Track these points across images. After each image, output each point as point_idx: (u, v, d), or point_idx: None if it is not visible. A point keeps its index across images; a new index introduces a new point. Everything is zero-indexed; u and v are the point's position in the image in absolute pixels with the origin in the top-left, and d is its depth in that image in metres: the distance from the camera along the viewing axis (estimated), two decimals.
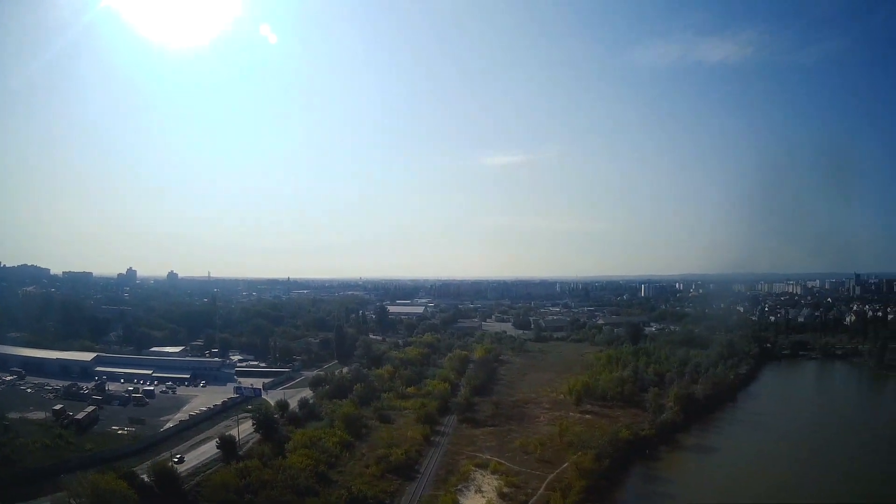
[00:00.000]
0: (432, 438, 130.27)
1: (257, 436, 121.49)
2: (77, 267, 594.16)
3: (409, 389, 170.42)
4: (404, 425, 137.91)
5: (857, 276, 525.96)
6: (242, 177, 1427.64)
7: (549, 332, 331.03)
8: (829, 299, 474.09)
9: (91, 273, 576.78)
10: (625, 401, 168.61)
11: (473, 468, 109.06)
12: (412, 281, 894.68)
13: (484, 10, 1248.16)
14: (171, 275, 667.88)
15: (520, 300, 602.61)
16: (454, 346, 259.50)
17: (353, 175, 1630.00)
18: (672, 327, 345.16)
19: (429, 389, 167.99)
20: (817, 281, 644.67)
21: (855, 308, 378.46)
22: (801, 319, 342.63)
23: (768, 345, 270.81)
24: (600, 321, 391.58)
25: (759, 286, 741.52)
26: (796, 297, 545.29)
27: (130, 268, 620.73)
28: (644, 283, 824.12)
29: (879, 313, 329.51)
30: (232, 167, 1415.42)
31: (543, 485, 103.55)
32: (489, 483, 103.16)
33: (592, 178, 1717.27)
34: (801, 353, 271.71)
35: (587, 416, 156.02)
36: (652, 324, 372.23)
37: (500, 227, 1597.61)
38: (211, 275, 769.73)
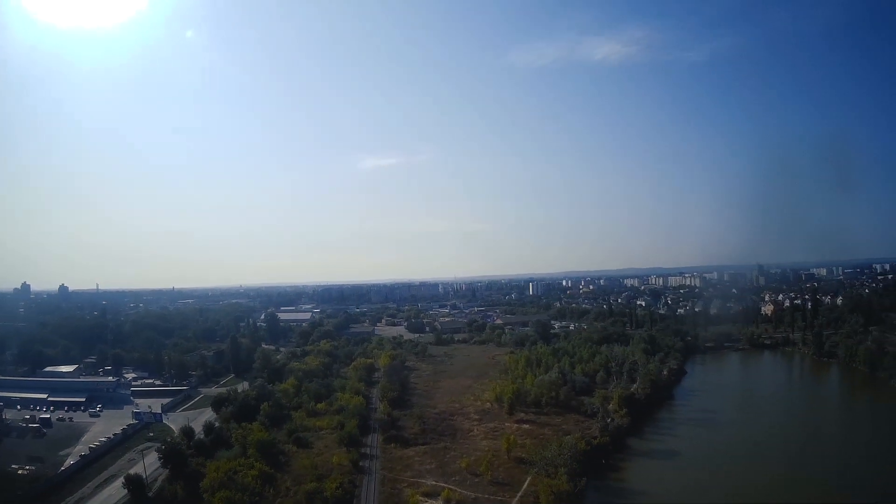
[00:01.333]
0: (361, 463, 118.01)
1: (165, 471, 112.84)
2: None
3: (318, 406, 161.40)
4: (325, 449, 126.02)
5: (760, 266, 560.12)
6: (122, 186, 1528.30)
7: (448, 335, 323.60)
8: (734, 290, 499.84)
9: None
10: (560, 406, 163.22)
11: (422, 498, 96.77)
12: (293, 287, 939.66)
13: (361, 13, 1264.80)
14: (63, 288, 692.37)
15: (405, 302, 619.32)
16: (354, 353, 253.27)
17: (231, 180, 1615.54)
18: (577, 324, 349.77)
19: (341, 404, 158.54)
20: (715, 273, 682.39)
21: (767, 298, 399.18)
22: (713, 311, 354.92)
23: (689, 338, 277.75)
24: (498, 321, 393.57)
25: (652, 279, 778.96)
26: (696, 290, 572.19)
27: (25, 282, 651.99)
28: (527, 281, 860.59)
29: (797, 301, 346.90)
30: (110, 176, 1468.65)
31: None
32: None
33: (469, 180, 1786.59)
34: (726, 344, 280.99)
35: (525, 425, 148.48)
36: (553, 322, 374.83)
37: (378, 230, 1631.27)
38: (99, 287, 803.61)
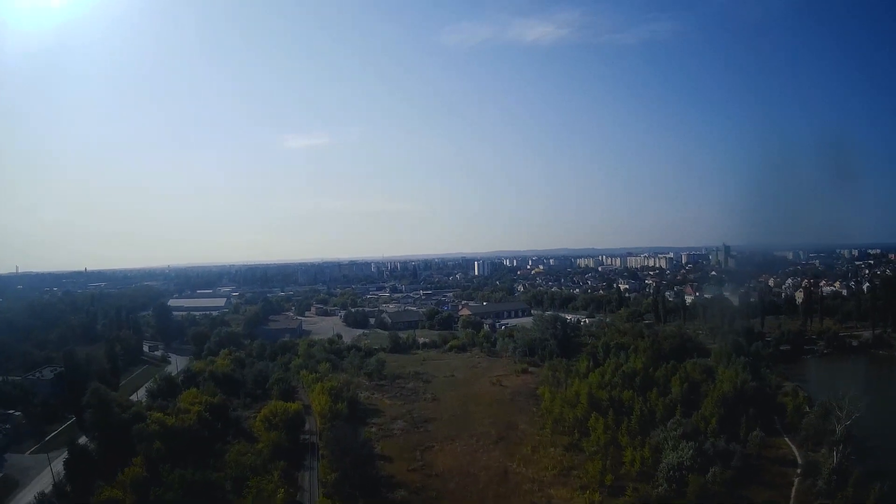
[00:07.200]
0: None
1: None
2: None
3: None
4: None
5: (727, 247, 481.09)
6: (49, 165, 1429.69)
7: (406, 334, 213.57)
8: (713, 273, 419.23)
9: None
10: None
11: None
12: (218, 267, 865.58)
13: None
14: None
15: (336, 284, 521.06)
16: (270, 375, 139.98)
17: (155, 160, 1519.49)
18: (575, 316, 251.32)
19: None
20: (671, 253, 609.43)
21: (771, 283, 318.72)
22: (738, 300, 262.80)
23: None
24: (464, 311, 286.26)
25: (605, 259, 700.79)
26: (667, 272, 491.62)
27: None
28: (459, 260, 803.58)
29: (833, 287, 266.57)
30: (37, 155, 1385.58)
31: None
32: None
33: (397, 160, 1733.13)
34: (805, 347, 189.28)
35: None
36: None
37: (305, 209, 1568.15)
38: (18, 269, 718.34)
